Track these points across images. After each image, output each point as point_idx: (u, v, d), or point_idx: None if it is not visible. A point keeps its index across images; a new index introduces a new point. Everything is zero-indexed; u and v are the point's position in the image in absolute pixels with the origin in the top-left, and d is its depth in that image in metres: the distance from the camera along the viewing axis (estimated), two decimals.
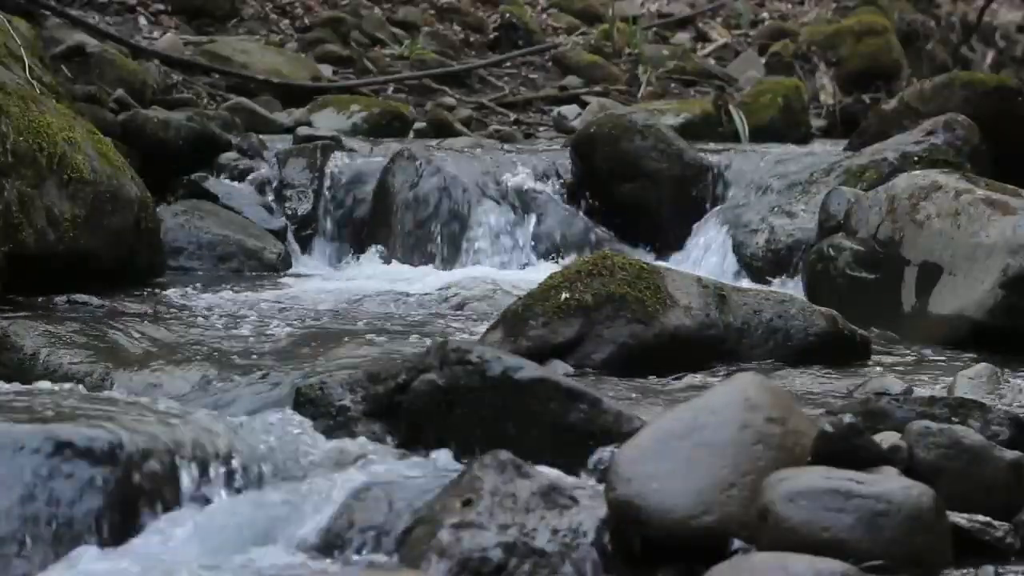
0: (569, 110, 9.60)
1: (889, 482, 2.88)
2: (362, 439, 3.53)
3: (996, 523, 3.04)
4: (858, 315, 5.00)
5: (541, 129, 9.38)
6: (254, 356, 4.61)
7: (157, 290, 5.91)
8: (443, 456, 3.43)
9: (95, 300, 5.47)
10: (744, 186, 7.15)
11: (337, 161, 7.37)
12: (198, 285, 6.00)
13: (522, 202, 7.16)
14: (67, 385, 4.01)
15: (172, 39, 9.48)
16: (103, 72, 8.27)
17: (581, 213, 7.19)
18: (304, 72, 9.47)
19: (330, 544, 3.09)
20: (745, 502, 2.90)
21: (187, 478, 3.24)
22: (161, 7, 10.14)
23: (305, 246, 7.17)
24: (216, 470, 3.30)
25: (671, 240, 7.04)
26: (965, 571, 2.92)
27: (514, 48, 10.74)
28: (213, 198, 7.02)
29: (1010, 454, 3.15)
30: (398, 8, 11.02)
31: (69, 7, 9.20)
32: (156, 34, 9.66)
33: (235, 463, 3.33)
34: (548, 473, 3.15)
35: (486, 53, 10.73)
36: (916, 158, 6.61)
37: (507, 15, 11.04)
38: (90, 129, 6.25)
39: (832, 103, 9.87)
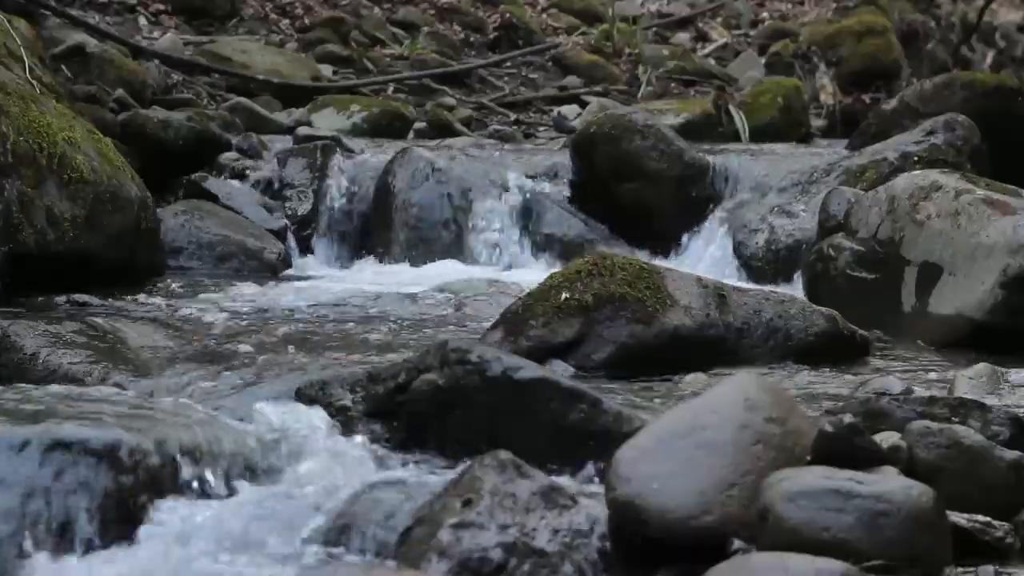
0: (569, 110, 9.60)
1: (889, 482, 2.88)
2: (362, 439, 3.53)
3: (996, 523, 3.04)
4: (858, 315, 5.00)
5: (541, 129, 9.38)
6: (254, 356, 4.61)
7: (157, 290, 5.91)
8: (443, 456, 3.43)
9: (95, 300, 5.47)
10: (744, 186, 7.15)
11: (337, 161, 7.37)
12: (198, 285, 6.00)
13: (522, 202, 7.16)
14: (67, 385, 4.00)
15: (172, 39, 9.48)
16: (103, 72, 8.27)
17: (581, 213, 7.19)
18: (304, 72, 9.47)
19: (330, 544, 3.09)
20: (745, 502, 2.90)
21: (187, 478, 3.24)
22: (161, 7, 10.14)
23: (305, 246, 7.17)
24: (216, 470, 3.30)
25: (671, 240, 7.04)
26: (965, 571, 2.92)
27: (514, 48, 10.74)
28: (213, 198, 7.02)
29: (1010, 454, 3.15)
30: (398, 8, 11.03)
31: (69, 7, 9.20)
32: (156, 34, 9.66)
33: (235, 463, 3.33)
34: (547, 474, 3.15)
35: (486, 53, 10.74)
36: (916, 158, 6.62)
37: (507, 15, 11.04)
38: (90, 129, 6.25)
39: (832, 103, 9.87)
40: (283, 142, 7.77)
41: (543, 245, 7.06)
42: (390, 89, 9.72)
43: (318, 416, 3.62)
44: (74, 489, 3.10)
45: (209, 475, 3.28)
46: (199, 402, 3.94)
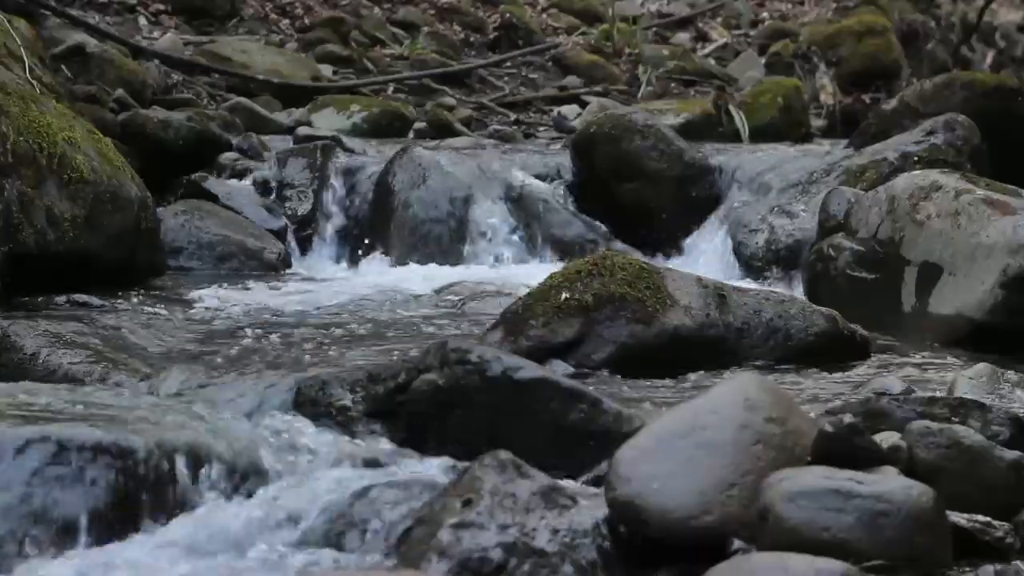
0: (569, 110, 9.60)
1: (889, 482, 2.88)
2: (362, 439, 3.53)
3: (996, 523, 3.04)
4: (858, 315, 5.00)
5: (541, 129, 9.38)
6: (254, 356, 4.61)
7: (157, 290, 5.90)
8: (443, 456, 3.43)
9: (95, 300, 5.46)
10: (744, 186, 7.15)
11: (337, 161, 7.37)
12: (198, 285, 6.00)
13: (522, 202, 7.16)
14: (67, 385, 4.00)
15: (172, 39, 9.48)
16: (103, 72, 8.27)
17: (581, 213, 7.19)
18: (304, 72, 9.47)
19: (330, 544, 3.09)
20: (745, 502, 2.90)
21: (187, 478, 3.24)
22: (161, 7, 10.14)
23: (305, 246, 7.17)
24: (216, 470, 3.30)
25: (671, 240, 7.04)
26: (965, 571, 2.92)
27: (514, 48, 10.74)
28: (213, 198, 7.02)
29: (1010, 454, 3.15)
30: (398, 8, 11.03)
31: (69, 7, 9.20)
32: (156, 34, 9.66)
33: (235, 463, 3.33)
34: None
35: (486, 53, 10.74)
36: (916, 158, 6.62)
37: (507, 15, 11.04)
38: (90, 129, 6.25)
39: (832, 103, 9.87)
40: (283, 142, 7.77)
41: (543, 245, 7.06)
42: (390, 89, 9.72)
43: (318, 416, 3.62)
44: (74, 490, 3.10)
45: (208, 475, 3.28)
46: (199, 402, 3.94)
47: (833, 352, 4.70)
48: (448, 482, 3.12)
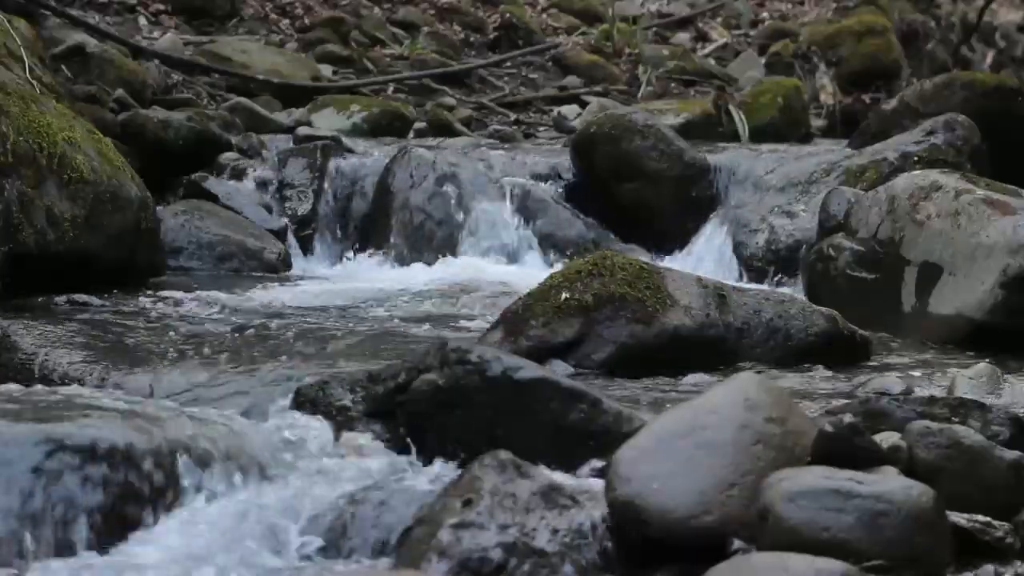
0: (569, 110, 9.60)
1: (889, 482, 2.88)
2: (362, 439, 3.52)
3: (996, 523, 3.04)
4: (858, 315, 5.00)
5: (541, 129, 9.38)
6: (254, 356, 4.61)
7: (157, 290, 5.90)
8: (443, 456, 3.43)
9: (95, 300, 5.47)
10: (744, 186, 7.16)
11: (337, 161, 7.37)
12: (198, 285, 6.00)
13: (522, 202, 7.16)
14: (67, 385, 4.01)
15: (172, 39, 9.48)
16: (103, 72, 8.27)
17: (581, 213, 7.19)
18: (304, 72, 9.47)
19: (330, 544, 3.10)
20: (745, 502, 2.90)
21: (187, 478, 3.24)
22: (161, 7, 10.14)
23: (305, 246, 7.17)
24: (216, 470, 3.30)
25: (671, 240, 7.04)
26: (965, 571, 2.92)
27: (514, 48, 10.74)
28: (213, 198, 7.02)
29: (1010, 454, 3.15)
30: (398, 8, 11.02)
31: (69, 7, 9.20)
32: (156, 34, 9.66)
33: (235, 463, 3.33)
34: (548, 473, 3.15)
35: (486, 53, 10.73)
36: (916, 158, 6.62)
37: (507, 15, 11.04)
38: (90, 129, 6.25)
39: (832, 103, 9.87)
40: (283, 142, 7.77)
41: (543, 245, 7.06)
42: (390, 89, 9.71)
43: (318, 416, 3.62)
44: (74, 490, 3.10)
45: (209, 476, 3.28)
46: (199, 402, 3.94)
47: (833, 352, 4.70)
48: (448, 482, 3.12)
